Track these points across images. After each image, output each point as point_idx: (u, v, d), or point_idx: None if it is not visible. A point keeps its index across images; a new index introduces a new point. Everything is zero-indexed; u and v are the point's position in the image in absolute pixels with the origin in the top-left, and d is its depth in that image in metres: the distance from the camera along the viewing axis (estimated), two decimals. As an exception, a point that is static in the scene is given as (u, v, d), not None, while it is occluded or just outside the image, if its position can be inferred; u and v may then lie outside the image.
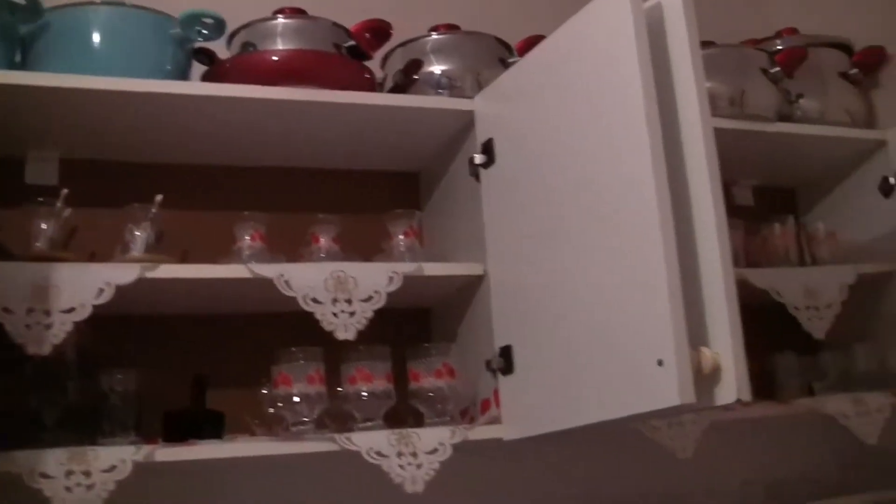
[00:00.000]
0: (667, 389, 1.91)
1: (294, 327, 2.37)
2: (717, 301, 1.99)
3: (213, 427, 2.41)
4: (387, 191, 2.98)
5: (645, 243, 1.98)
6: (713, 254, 2.00)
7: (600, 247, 2.14)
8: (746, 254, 3.07)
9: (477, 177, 2.61)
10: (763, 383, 3.01)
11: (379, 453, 2.28)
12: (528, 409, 2.39)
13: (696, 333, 1.97)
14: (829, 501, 3.05)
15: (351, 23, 2.70)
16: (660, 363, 1.93)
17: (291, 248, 2.57)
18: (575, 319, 2.21)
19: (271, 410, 2.40)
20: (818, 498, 3.08)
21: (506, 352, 2.45)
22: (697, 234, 2.03)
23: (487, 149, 2.57)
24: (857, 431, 2.84)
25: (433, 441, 2.34)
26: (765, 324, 2.83)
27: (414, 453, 2.31)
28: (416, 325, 2.89)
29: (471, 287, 2.63)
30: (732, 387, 1.95)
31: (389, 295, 2.41)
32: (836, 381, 3.09)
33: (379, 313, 2.38)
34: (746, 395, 1.96)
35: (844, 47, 3.35)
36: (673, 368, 1.90)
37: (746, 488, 3.13)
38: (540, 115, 2.39)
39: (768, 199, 3.40)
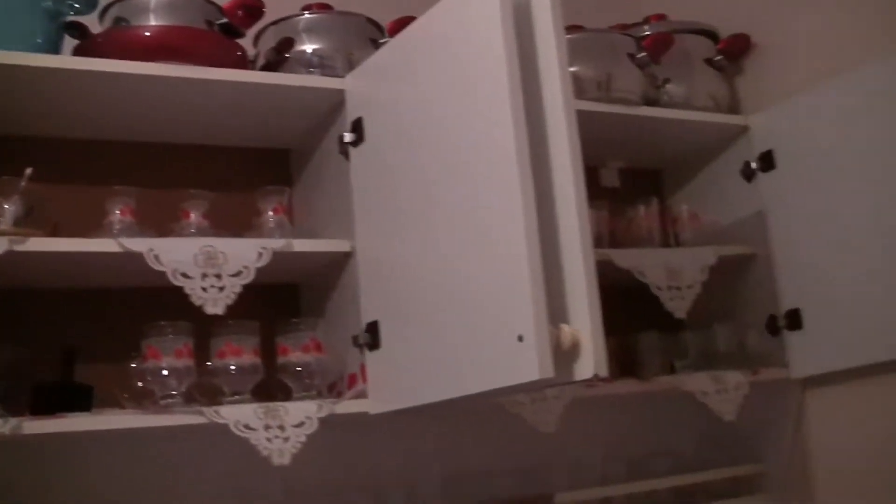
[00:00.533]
0: (527, 364, 1.97)
1: (164, 302, 2.36)
2: (577, 280, 2.05)
3: (82, 400, 2.40)
4: (257, 167, 2.98)
5: (507, 223, 2.04)
6: (574, 234, 2.06)
7: (464, 225, 2.19)
8: (611, 234, 3.12)
9: (346, 155, 2.63)
10: (626, 361, 3.09)
11: (247, 426, 2.30)
12: (393, 384, 2.44)
13: (557, 311, 2.03)
14: (688, 476, 3.14)
15: (224, 0, 2.70)
16: (520, 339, 1.98)
17: (162, 223, 2.58)
18: (440, 296, 2.27)
19: (140, 384, 2.42)
20: (678, 472, 3.17)
21: (372, 327, 2.50)
22: (559, 214, 2.08)
23: (357, 127, 2.60)
24: (716, 408, 2.92)
25: (300, 414, 2.37)
26: (629, 303, 2.93)
27: (281, 426, 2.33)
28: (286, 301, 2.91)
29: (339, 263, 2.66)
30: (590, 363, 2.01)
31: (259, 270, 2.43)
32: (697, 359, 3.17)
33: (248, 288, 2.40)
34: (604, 371, 2.02)
35: (710, 34, 3.42)
36: (533, 344, 1.96)
37: (608, 463, 3.19)
38: (409, 96, 2.43)
39: (635, 181, 3.45)
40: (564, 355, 2.01)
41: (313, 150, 2.88)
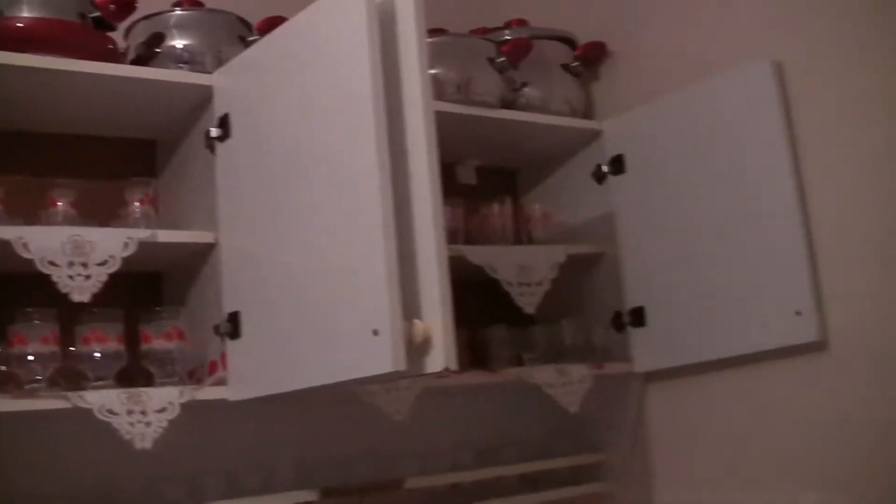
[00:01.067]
0: (381, 357, 2.08)
1: (31, 289, 2.41)
2: (430, 277, 2.15)
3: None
4: (125, 157, 3.01)
5: (365, 220, 2.14)
6: (429, 232, 2.16)
7: (325, 221, 2.28)
8: (466, 231, 3.22)
9: (212, 149, 2.69)
10: (477, 353, 3.19)
11: (110, 411, 2.35)
12: (253, 372, 2.53)
13: (410, 306, 2.13)
14: (534, 464, 3.26)
15: (97, -7, 2.71)
16: (375, 333, 2.09)
17: (30, 211, 2.60)
18: (300, 289, 2.36)
19: (4, 369, 2.43)
20: (525, 460, 3.29)
21: (233, 317, 2.57)
22: (415, 213, 2.18)
23: (223, 123, 2.67)
24: (561, 400, 3.05)
25: (162, 400, 2.43)
26: (481, 297, 3.05)
27: (143, 411, 2.39)
28: (150, 290, 2.95)
29: (202, 254, 2.72)
30: (441, 356, 2.12)
31: (124, 260, 2.48)
32: (545, 353, 3.28)
33: (114, 277, 2.45)
34: (453, 365, 2.13)
35: (568, 41, 3.53)
36: (387, 338, 2.06)
37: (458, 451, 3.28)
38: (275, 94, 2.51)
39: (491, 180, 3.56)
40: (416, 349, 2.11)
41: (180, 142, 2.92)
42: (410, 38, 2.25)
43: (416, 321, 2.12)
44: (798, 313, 2.79)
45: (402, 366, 2.07)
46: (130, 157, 3.03)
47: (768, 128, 2.90)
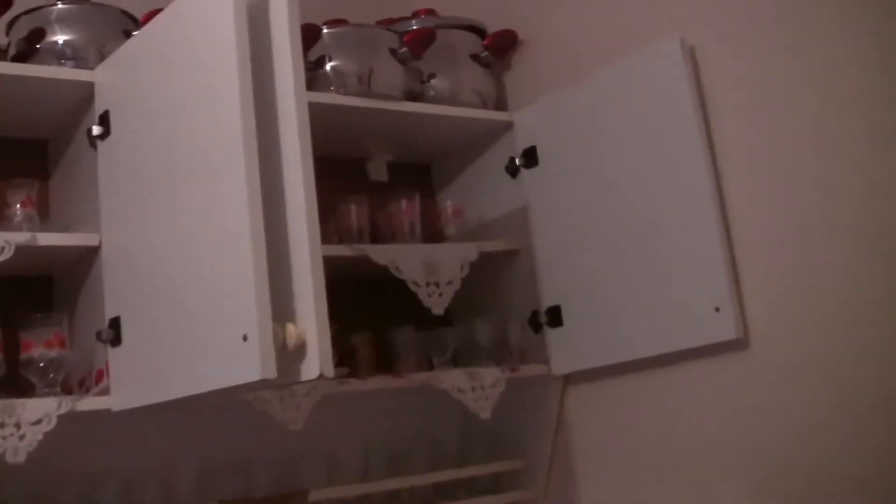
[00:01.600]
0: (250, 364, 2.00)
1: None
2: (304, 280, 2.07)
3: None
4: (13, 158, 2.90)
5: (234, 222, 2.06)
6: (301, 235, 2.08)
7: (197, 223, 2.21)
8: (373, 229, 3.12)
9: (95, 147, 2.62)
10: (383, 356, 3.12)
11: (-19, 424, 2.28)
12: (134, 380, 2.44)
13: (284, 310, 2.05)
14: (450, 472, 3.15)
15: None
16: (245, 338, 2.00)
17: None
18: (175, 293, 2.28)
19: None
20: (440, 468, 3.20)
21: (115, 323, 2.49)
22: (288, 214, 2.10)
23: (104, 120, 2.60)
24: (471, 406, 2.93)
25: (38, 412, 2.35)
26: (387, 297, 2.96)
27: (17, 424, 2.31)
28: (40, 294, 2.86)
29: (88, 258, 2.64)
30: (316, 362, 2.03)
31: (4, 264, 2.39)
32: (458, 355, 3.18)
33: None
34: (329, 371, 2.04)
35: (478, 30, 3.44)
36: (256, 343, 1.98)
37: (368, 458, 3.19)
38: (151, 88, 2.44)
39: (404, 176, 3.47)
40: (290, 355, 2.03)
41: (68, 141, 2.85)
42: (282, 27, 2.18)
43: (289, 325, 2.04)
44: (717, 310, 2.71)
45: (271, 373, 1.98)
46: (20, 157, 2.94)
47: (680, 110, 2.80)
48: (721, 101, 2.78)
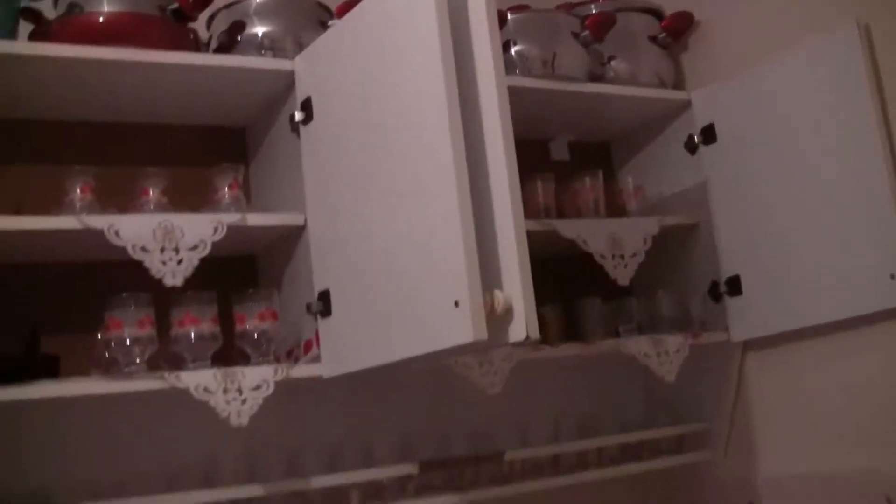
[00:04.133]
0: (462, 328, 2.09)
1: (125, 275, 2.45)
2: (509, 249, 2.15)
3: (48, 370, 2.51)
4: (214, 145, 3.07)
5: (442, 197, 2.15)
6: (506, 205, 2.16)
7: (405, 200, 2.31)
8: (558, 206, 3.22)
9: (297, 132, 2.75)
10: (572, 327, 3.22)
11: (206, 389, 2.41)
12: (344, 349, 2.56)
13: (490, 278, 2.14)
14: (635, 434, 3.28)
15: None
16: (456, 304, 2.10)
17: (122, 201, 2.65)
18: (384, 265, 2.39)
19: (106, 354, 2.50)
20: (626, 431, 3.32)
21: (324, 296, 2.62)
22: (493, 188, 2.19)
23: (306, 106, 2.71)
24: (657, 370, 3.05)
25: (257, 378, 2.49)
26: (576, 272, 3.09)
27: (239, 389, 2.45)
28: (244, 272, 3.01)
29: (292, 236, 2.77)
30: (522, 326, 2.12)
31: (216, 244, 2.53)
32: (641, 325, 3.27)
33: (207, 261, 2.50)
34: (535, 333, 2.13)
35: (655, 12, 3.51)
36: (467, 308, 2.08)
37: (558, 424, 3.31)
38: (353, 76, 2.53)
39: (584, 155, 3.55)
40: (497, 319, 2.12)
41: (268, 128, 2.97)
42: (480, 13, 2.25)
43: (497, 291, 2.13)
44: (893, 277, 2.77)
45: (482, 335, 2.08)
46: (220, 144, 3.09)
47: (858, 92, 2.86)
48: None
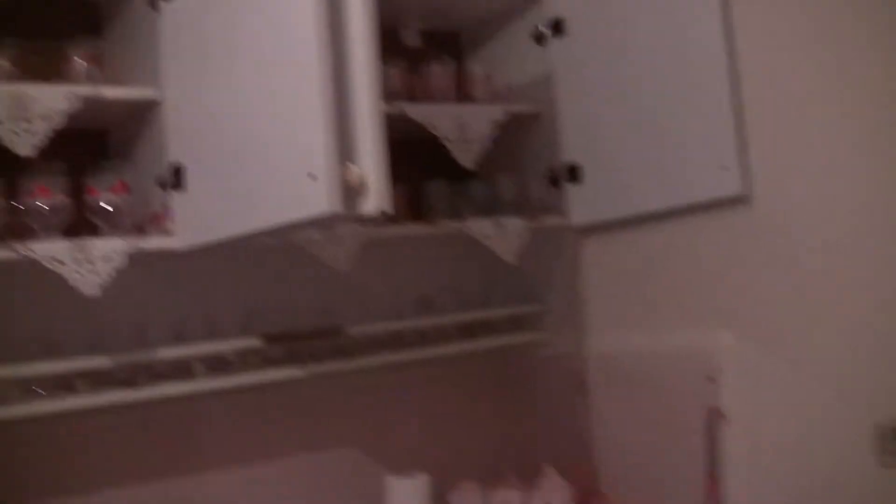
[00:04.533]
0: (317, 199, 2.14)
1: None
2: (365, 126, 2.20)
3: None
4: (68, 18, 3.00)
5: (304, 72, 2.18)
6: (363, 87, 2.20)
7: (266, 74, 2.33)
8: (409, 91, 3.30)
9: (154, 6, 2.72)
10: (417, 207, 3.33)
11: (57, 260, 2.44)
12: (197, 222, 2.61)
13: (346, 153, 2.18)
14: (472, 313, 3.44)
15: None
16: (311, 176, 2.15)
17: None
18: (241, 138, 2.42)
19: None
20: (464, 309, 3.46)
21: (177, 169, 2.65)
22: (352, 68, 2.21)
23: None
24: (498, 249, 3.19)
25: (108, 249, 2.53)
26: (421, 154, 3.16)
27: (90, 261, 2.48)
28: (96, 147, 3.00)
29: (146, 110, 2.77)
30: (376, 200, 2.18)
31: (71, 117, 2.53)
32: (483, 208, 3.39)
33: (61, 135, 2.51)
34: (388, 208, 2.19)
35: None
36: (323, 180, 2.13)
37: (399, 301, 3.41)
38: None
39: (435, 43, 3.62)
40: (352, 192, 2.17)
41: (123, 2, 2.94)
42: None
43: (352, 165, 2.17)
44: (723, 168, 2.89)
45: (337, 207, 2.13)
46: (73, 17, 3.03)
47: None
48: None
